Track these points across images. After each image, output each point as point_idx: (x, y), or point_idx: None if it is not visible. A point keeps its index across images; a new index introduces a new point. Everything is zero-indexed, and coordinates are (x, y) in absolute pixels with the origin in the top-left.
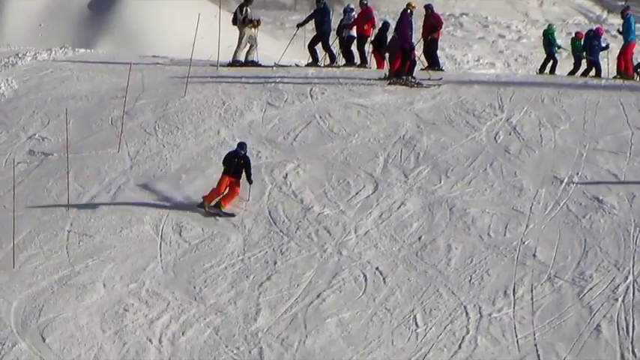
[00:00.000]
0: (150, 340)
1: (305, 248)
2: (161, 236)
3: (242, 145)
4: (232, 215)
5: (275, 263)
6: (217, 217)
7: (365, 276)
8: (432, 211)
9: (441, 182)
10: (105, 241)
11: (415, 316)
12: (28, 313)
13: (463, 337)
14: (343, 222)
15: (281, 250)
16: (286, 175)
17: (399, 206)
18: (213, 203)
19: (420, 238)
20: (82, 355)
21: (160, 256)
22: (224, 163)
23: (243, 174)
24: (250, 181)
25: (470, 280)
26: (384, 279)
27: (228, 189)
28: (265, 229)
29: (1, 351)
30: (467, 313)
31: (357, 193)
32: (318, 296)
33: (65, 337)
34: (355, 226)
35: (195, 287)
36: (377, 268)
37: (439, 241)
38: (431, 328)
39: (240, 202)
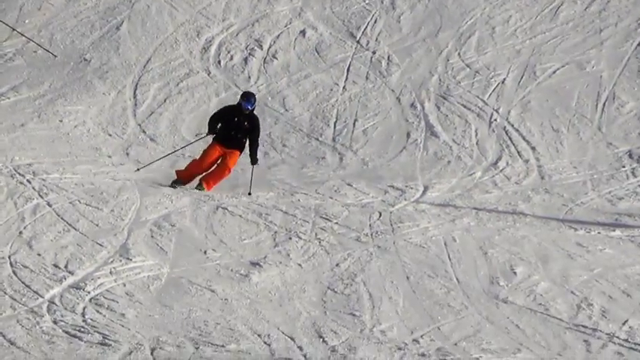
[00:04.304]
0: None
1: None
2: None
3: (249, 98)
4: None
5: None
6: None
7: None
8: None
9: None
10: None
11: None
12: None
13: None
14: None
15: None
16: None
17: None
18: (189, 183)
19: None
20: None
21: None
22: (213, 122)
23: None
24: (255, 160)
25: None
26: None
27: (216, 165)
28: None
29: None
30: None
31: None
32: None
33: None
34: None
35: None
36: None
37: None
38: None
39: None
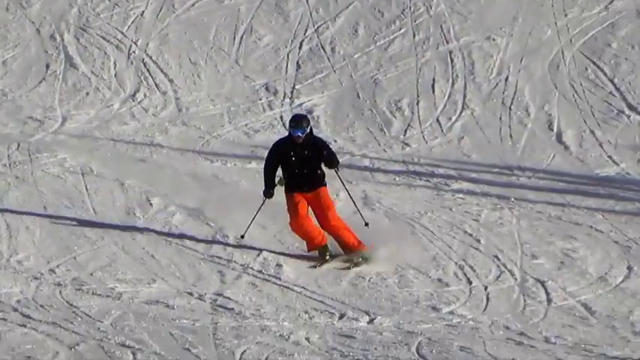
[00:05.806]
0: None
1: None
2: None
3: (299, 122)
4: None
5: None
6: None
7: None
8: None
9: None
10: None
11: None
12: None
13: None
14: None
15: None
16: None
17: None
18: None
19: None
20: None
21: None
22: (270, 173)
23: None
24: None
25: None
26: None
27: (320, 223)
28: None
29: None
30: None
31: None
32: None
33: None
34: None
35: None
36: None
37: None
38: None
39: None
